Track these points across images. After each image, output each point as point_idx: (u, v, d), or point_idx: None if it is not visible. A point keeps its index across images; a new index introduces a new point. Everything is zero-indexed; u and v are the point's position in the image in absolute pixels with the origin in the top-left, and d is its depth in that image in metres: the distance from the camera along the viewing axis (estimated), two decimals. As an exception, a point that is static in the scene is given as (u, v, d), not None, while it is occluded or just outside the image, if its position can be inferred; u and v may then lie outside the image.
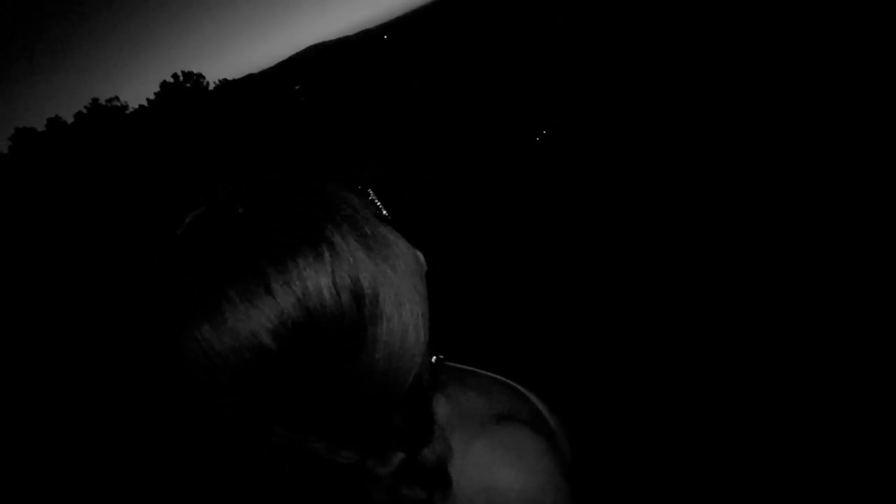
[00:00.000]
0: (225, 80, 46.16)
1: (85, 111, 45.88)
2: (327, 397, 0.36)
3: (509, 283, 3.19)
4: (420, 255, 0.46)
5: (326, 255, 0.34)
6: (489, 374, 0.55)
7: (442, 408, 0.45)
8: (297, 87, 29.72)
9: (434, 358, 0.50)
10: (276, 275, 0.32)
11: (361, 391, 0.37)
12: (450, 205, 5.25)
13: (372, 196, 0.44)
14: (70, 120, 45.65)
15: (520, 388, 0.53)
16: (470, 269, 3.45)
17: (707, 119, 4.46)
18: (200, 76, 44.96)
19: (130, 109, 45.88)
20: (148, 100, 45.22)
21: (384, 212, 0.45)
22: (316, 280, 0.33)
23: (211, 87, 45.39)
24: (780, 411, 1.89)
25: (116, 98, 48.01)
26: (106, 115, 44.22)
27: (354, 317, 0.35)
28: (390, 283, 0.37)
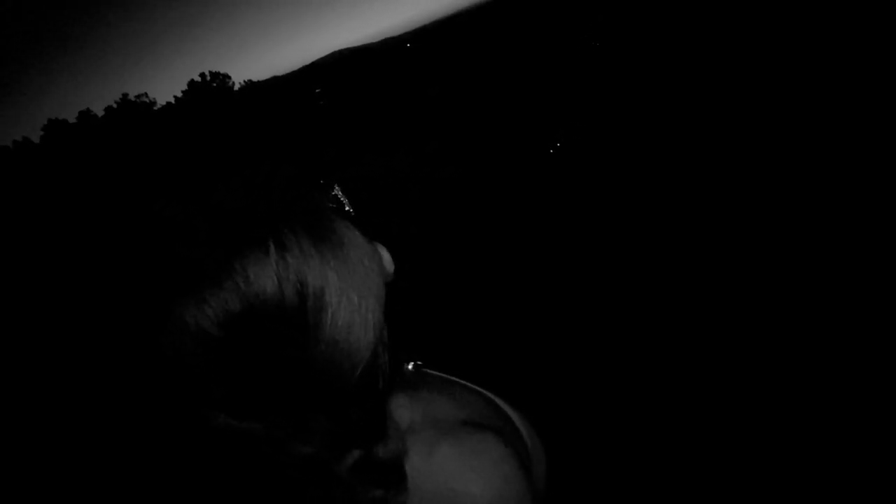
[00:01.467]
0: (250, 80, 47.55)
1: (115, 105, 47.64)
2: (271, 385, 0.37)
3: (507, 288, 3.22)
4: (386, 254, 0.47)
5: (273, 251, 0.35)
6: (466, 383, 0.56)
7: (409, 410, 0.46)
8: (317, 91, 30.59)
9: (411, 364, 0.53)
10: (221, 270, 0.34)
11: (305, 381, 0.38)
12: (456, 207, 5.37)
13: (337, 192, 0.45)
14: (100, 113, 47.47)
15: (495, 398, 0.55)
16: (468, 272, 3.54)
17: (721, 133, 4.48)
18: (227, 76, 46.39)
19: (158, 106, 47.54)
20: (175, 97, 46.81)
21: (348, 208, 0.45)
22: (260, 275, 0.35)
23: (236, 87, 46.77)
24: (772, 413, 1.90)
25: (145, 94, 49.76)
26: (135, 110, 45.86)
27: (297, 310, 0.36)
28: (339, 279, 0.38)
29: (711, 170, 3.89)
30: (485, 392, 0.55)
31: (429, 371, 0.57)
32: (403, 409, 0.46)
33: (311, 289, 0.36)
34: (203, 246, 0.35)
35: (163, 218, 0.36)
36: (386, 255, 0.47)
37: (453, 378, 0.57)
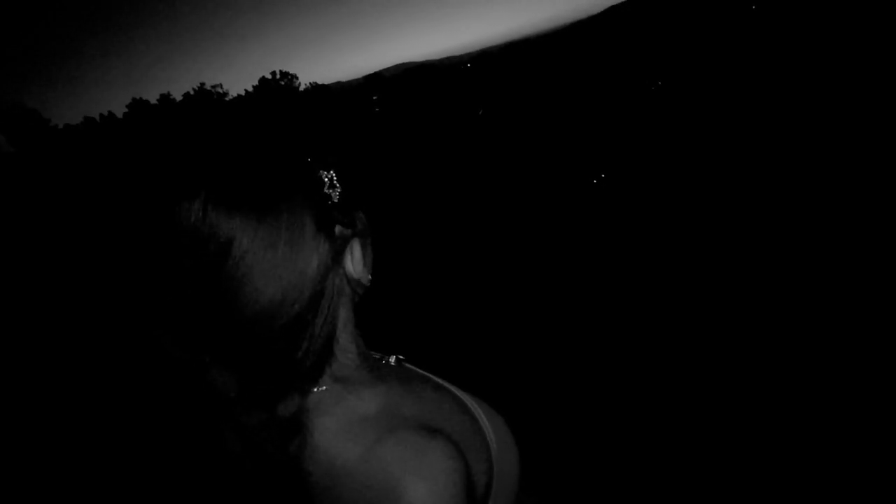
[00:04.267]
0: (315, 83, 50.43)
1: (192, 92, 51.75)
2: (190, 316, 0.43)
3: (532, 306, 3.28)
4: (356, 254, 0.49)
5: (201, 200, 0.42)
6: (443, 382, 0.58)
7: (366, 400, 0.47)
8: (374, 98, 32.27)
9: (394, 357, 0.57)
10: (161, 206, 0.42)
11: (213, 322, 0.43)
12: (481, 222, 5.48)
13: (331, 177, 0.48)
14: (178, 98, 51.68)
15: (470, 403, 0.55)
16: (495, 290, 3.60)
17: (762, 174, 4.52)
18: (294, 76, 49.48)
19: (230, 97, 51.24)
20: (246, 90, 50.31)
21: (334, 194, 0.48)
22: (184, 215, 0.42)
23: (301, 87, 49.71)
24: (763, 410, 1.95)
25: (220, 85, 53.76)
26: (208, 98, 49.65)
27: (202, 250, 0.42)
28: (253, 242, 0.42)
29: (750, 214, 3.88)
30: (460, 395, 0.57)
31: (409, 366, 0.59)
32: (360, 398, 0.47)
33: (219, 237, 0.41)
34: (164, 186, 0.42)
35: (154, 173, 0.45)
36: (356, 255, 0.49)
37: (431, 376, 0.59)
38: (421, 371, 0.59)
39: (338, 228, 0.48)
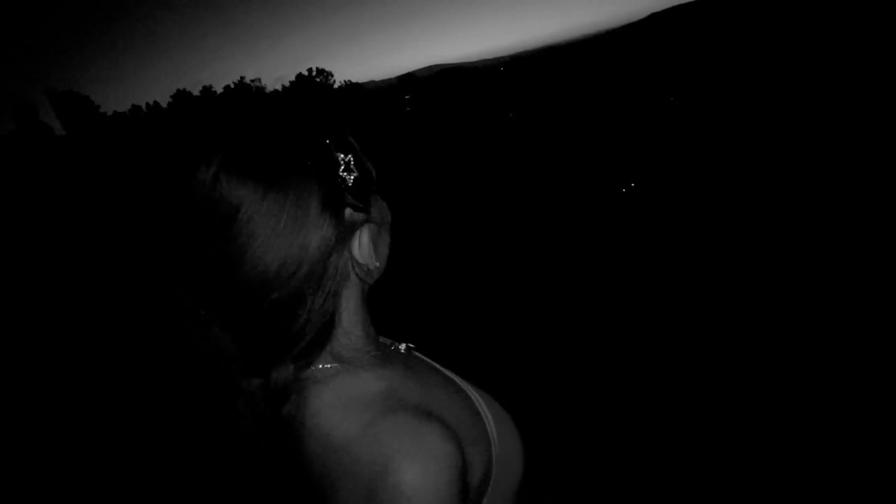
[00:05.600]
0: (349, 81, 51.42)
1: (232, 86, 53.63)
2: (201, 275, 0.46)
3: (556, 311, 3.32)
4: (365, 239, 0.50)
5: (213, 167, 0.45)
6: (450, 374, 0.59)
7: (368, 382, 0.49)
8: (406, 97, 32.70)
9: (404, 345, 0.59)
10: (186, 187, 0.45)
11: (218, 284, 0.46)
12: (503, 225, 5.50)
13: (347, 160, 0.49)
14: (219, 90, 53.63)
15: (476, 400, 0.56)
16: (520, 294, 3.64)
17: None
18: (330, 73, 50.64)
19: (268, 91, 52.85)
20: (283, 86, 51.80)
21: (349, 178, 0.49)
22: (198, 181, 0.45)
23: (336, 85, 50.80)
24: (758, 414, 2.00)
25: (259, 79, 55.52)
26: (248, 92, 51.35)
27: (210, 214, 0.45)
28: (258, 214, 0.44)
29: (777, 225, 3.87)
30: (465, 387, 0.57)
31: (418, 355, 0.61)
32: (360, 379, 0.49)
33: (228, 203, 0.44)
34: (182, 159, 0.45)
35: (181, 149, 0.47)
36: (363, 240, 0.50)
37: (437, 366, 0.60)
38: (429, 360, 0.61)
39: (348, 211, 0.49)
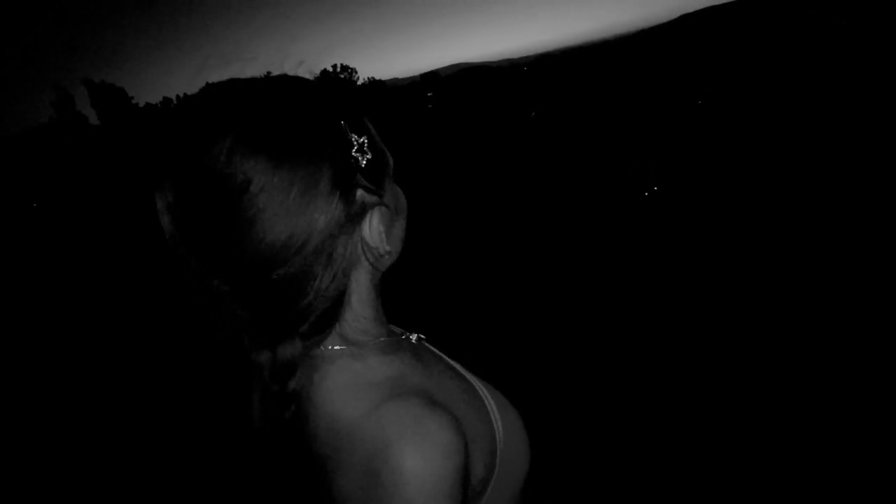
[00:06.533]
0: (372, 78, 51.79)
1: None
2: (216, 248, 0.46)
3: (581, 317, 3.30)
4: (375, 222, 0.50)
5: (228, 142, 0.45)
6: (460, 368, 0.60)
7: (375, 369, 0.50)
8: (429, 94, 32.83)
9: (415, 336, 0.60)
10: (201, 161, 0.45)
11: (230, 254, 0.46)
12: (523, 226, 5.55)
13: (361, 142, 0.49)
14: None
15: (483, 394, 0.57)
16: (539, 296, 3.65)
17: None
18: (354, 70, 51.10)
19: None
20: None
21: (363, 160, 0.49)
22: (211, 155, 0.45)
23: (359, 81, 51.20)
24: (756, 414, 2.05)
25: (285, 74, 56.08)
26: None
27: (223, 186, 0.44)
28: (268, 188, 0.44)
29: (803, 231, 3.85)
30: (473, 381, 0.58)
31: (428, 346, 0.62)
32: (367, 363, 0.50)
33: (239, 176, 0.44)
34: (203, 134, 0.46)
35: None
36: (374, 223, 0.50)
37: (446, 358, 0.61)
38: (438, 352, 0.62)
39: (360, 193, 0.49)
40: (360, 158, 0.49)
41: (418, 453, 0.42)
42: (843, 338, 2.54)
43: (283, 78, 0.51)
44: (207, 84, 0.48)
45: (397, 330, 0.60)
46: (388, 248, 0.52)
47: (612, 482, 1.99)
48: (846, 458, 1.84)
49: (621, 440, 2.18)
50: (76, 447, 3.07)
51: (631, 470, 2.02)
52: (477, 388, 0.57)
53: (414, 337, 0.60)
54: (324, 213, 0.46)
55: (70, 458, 2.97)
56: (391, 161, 0.54)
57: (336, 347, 0.50)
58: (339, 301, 0.49)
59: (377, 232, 0.50)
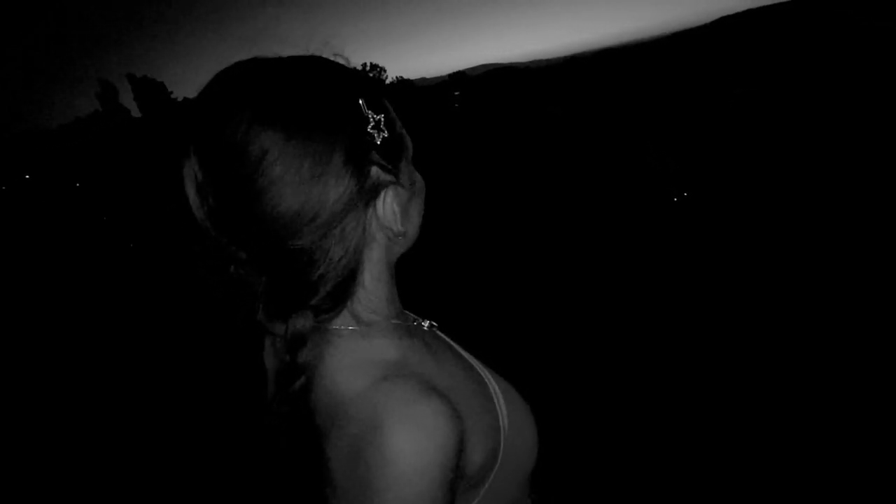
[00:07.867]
0: (401, 77, 52.30)
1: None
2: (233, 217, 0.47)
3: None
4: (388, 201, 0.51)
5: (246, 116, 0.46)
6: (470, 359, 0.60)
7: (382, 350, 0.50)
8: (455, 93, 32.99)
9: (427, 323, 0.60)
10: (222, 132, 0.46)
11: (246, 224, 0.47)
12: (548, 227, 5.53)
13: (378, 119, 0.50)
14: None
15: (491, 385, 0.57)
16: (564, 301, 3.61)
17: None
18: (383, 69, 51.73)
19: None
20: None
21: (378, 137, 0.49)
22: (230, 126, 0.46)
23: (388, 80, 51.73)
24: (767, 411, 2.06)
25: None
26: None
27: (239, 158, 0.45)
28: (281, 164, 0.45)
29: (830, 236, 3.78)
30: (482, 372, 0.58)
31: (439, 333, 0.62)
32: (373, 343, 0.51)
33: (256, 147, 0.45)
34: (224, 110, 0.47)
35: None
36: (388, 201, 0.50)
37: (457, 347, 0.62)
38: (449, 341, 0.63)
39: (374, 170, 0.50)
40: (375, 135, 0.49)
41: (404, 435, 0.42)
42: (887, 347, 2.50)
43: (305, 56, 0.52)
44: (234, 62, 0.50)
45: (411, 316, 0.61)
46: (402, 228, 0.52)
47: (622, 478, 2.01)
48: (853, 459, 1.86)
49: (637, 439, 2.20)
50: (84, 421, 3.14)
51: (640, 466, 2.04)
52: (485, 378, 0.58)
53: (426, 324, 0.60)
54: (335, 188, 0.46)
55: (76, 433, 3.03)
56: (410, 144, 0.55)
57: (347, 327, 0.51)
58: (351, 277, 0.49)
59: (391, 211, 0.51)
